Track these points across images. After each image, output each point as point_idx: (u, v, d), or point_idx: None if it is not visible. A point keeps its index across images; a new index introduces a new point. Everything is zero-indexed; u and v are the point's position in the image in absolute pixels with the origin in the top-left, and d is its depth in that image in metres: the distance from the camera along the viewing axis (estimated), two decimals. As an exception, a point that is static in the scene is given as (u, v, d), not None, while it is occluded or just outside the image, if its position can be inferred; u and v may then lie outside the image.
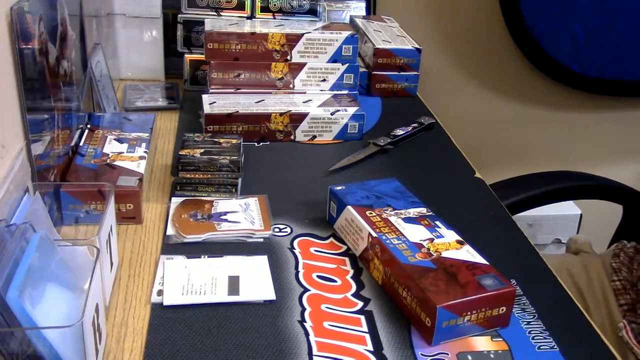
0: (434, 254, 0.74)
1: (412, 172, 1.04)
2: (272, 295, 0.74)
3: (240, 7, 1.28)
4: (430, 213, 0.83)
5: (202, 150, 0.94)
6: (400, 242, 0.76)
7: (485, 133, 1.85)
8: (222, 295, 0.73)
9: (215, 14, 1.28)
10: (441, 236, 0.77)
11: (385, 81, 1.34)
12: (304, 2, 1.29)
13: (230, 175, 0.92)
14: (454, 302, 0.66)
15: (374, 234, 0.77)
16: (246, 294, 0.74)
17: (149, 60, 1.33)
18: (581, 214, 1.83)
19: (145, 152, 0.96)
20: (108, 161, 0.92)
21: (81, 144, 0.97)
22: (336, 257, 0.82)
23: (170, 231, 0.84)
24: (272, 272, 0.78)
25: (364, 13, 1.54)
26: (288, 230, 0.87)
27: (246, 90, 1.17)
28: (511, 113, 1.83)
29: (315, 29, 1.19)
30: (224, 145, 0.96)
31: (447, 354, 0.67)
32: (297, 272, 0.78)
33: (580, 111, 1.85)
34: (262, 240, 0.84)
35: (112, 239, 0.74)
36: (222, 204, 0.89)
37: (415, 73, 1.34)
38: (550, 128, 1.87)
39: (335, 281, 0.77)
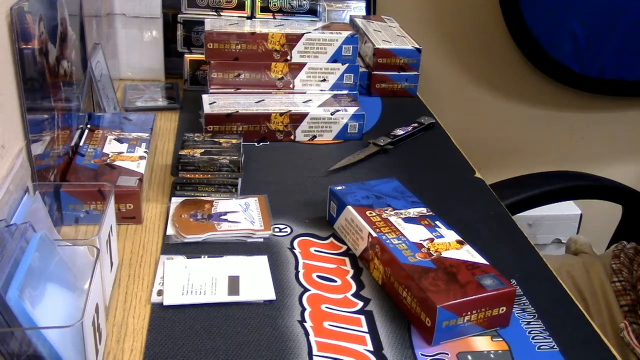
0: (434, 254, 0.74)
1: (412, 172, 1.04)
2: (272, 295, 0.74)
3: (240, 7, 1.28)
4: (430, 213, 0.83)
5: (202, 150, 0.94)
6: (400, 242, 0.76)
7: (485, 133, 1.85)
8: (222, 295, 0.73)
9: (215, 14, 1.28)
10: (441, 236, 0.77)
11: (385, 81, 1.34)
12: (304, 2, 1.29)
13: (230, 175, 0.92)
14: (454, 302, 0.66)
15: (374, 234, 0.77)
16: (246, 294, 0.74)
17: (149, 60, 1.33)
18: (581, 214, 1.83)
19: (145, 152, 0.96)
20: (108, 161, 0.92)
21: (81, 144, 0.97)
22: (336, 257, 0.82)
23: (170, 231, 0.84)
24: (272, 272, 0.78)
25: (364, 13, 1.54)
26: (288, 230, 0.87)
27: (246, 90, 1.17)
28: (511, 113, 1.83)
29: (315, 29, 1.19)
30: (224, 145, 0.96)
31: (447, 354, 0.67)
32: (297, 272, 0.78)
33: (580, 111, 1.85)
34: (262, 240, 0.84)
35: (112, 239, 0.74)
36: (222, 204, 0.89)
37: (415, 73, 1.34)
38: (550, 128, 1.87)
39: (335, 281, 0.77)
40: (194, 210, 0.88)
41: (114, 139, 0.99)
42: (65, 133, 0.89)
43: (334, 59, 1.18)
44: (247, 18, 1.28)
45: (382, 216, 0.81)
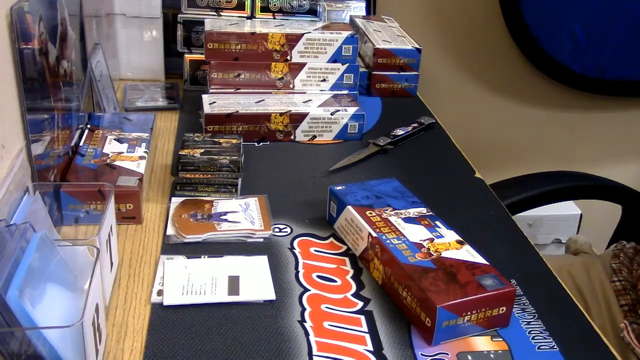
0: (434, 254, 0.74)
1: (412, 172, 1.04)
2: (272, 295, 0.74)
3: (240, 7, 1.28)
4: (430, 213, 0.83)
5: (202, 150, 0.94)
6: (400, 242, 0.76)
7: (485, 133, 1.85)
8: (222, 295, 0.73)
9: (215, 14, 1.28)
10: (441, 236, 0.77)
11: (385, 81, 1.34)
12: (304, 2, 1.29)
13: (230, 175, 0.92)
14: (454, 302, 0.66)
15: (374, 234, 0.77)
16: (246, 294, 0.74)
17: (149, 60, 1.33)
18: (581, 214, 1.83)
19: (145, 152, 0.96)
20: (108, 161, 0.92)
21: (81, 144, 0.97)
22: (336, 257, 0.82)
23: (170, 231, 0.84)
24: (272, 272, 0.78)
25: (364, 13, 1.54)
26: (288, 230, 0.87)
27: (246, 90, 1.17)
28: (511, 113, 1.83)
29: (315, 29, 1.19)
30: (224, 145, 0.96)
31: (447, 354, 0.67)
32: (297, 272, 0.78)
33: (580, 111, 1.85)
34: (262, 240, 0.84)
35: (112, 239, 0.74)
36: (222, 204, 0.89)
37: (415, 73, 1.34)
38: (550, 128, 1.87)
39: (335, 281, 0.77)
40: (194, 210, 0.88)
41: (114, 139, 0.99)
42: (65, 133, 0.89)
43: (334, 59, 1.18)
44: (247, 18, 1.28)
45: (382, 216, 0.81)
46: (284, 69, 1.17)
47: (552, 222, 1.83)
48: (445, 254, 0.74)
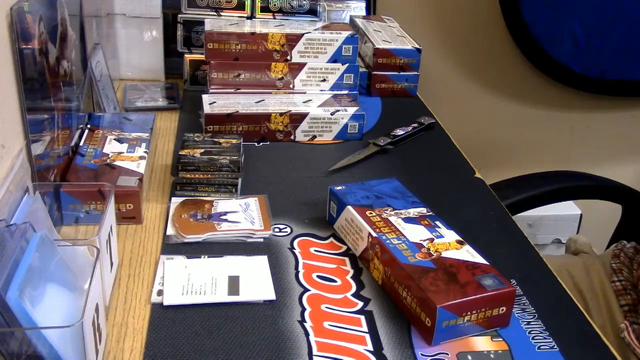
0: (434, 254, 0.74)
1: (412, 172, 1.04)
2: (272, 295, 0.74)
3: (240, 7, 1.28)
4: (430, 213, 0.83)
5: (202, 150, 0.94)
6: (400, 242, 0.76)
7: (485, 133, 1.85)
8: (222, 295, 0.73)
9: (215, 14, 1.28)
10: (441, 236, 0.77)
11: (385, 81, 1.34)
12: (304, 2, 1.29)
13: (230, 175, 0.92)
14: (454, 302, 0.66)
15: (374, 234, 0.77)
16: (246, 294, 0.74)
17: (149, 60, 1.33)
18: (581, 214, 1.83)
19: (145, 152, 0.96)
20: (108, 161, 0.92)
21: (81, 144, 0.97)
22: (336, 257, 0.82)
23: (170, 231, 0.84)
24: (272, 272, 0.78)
25: (364, 13, 1.54)
26: (288, 230, 0.87)
27: (246, 90, 1.17)
28: (511, 113, 1.83)
29: (315, 29, 1.19)
30: (224, 145, 0.96)
31: (447, 354, 0.67)
32: (297, 272, 0.78)
33: (580, 111, 1.85)
34: (262, 240, 0.84)
35: (112, 239, 0.74)
36: (222, 204, 0.89)
37: (415, 73, 1.34)
38: (550, 128, 1.87)
39: (335, 281, 0.77)
40: (194, 210, 0.88)
41: (114, 139, 0.99)
42: (65, 133, 0.89)
43: (334, 59, 1.18)
44: (247, 18, 1.28)
45: (382, 216, 0.81)
46: (284, 69, 1.17)
47: (552, 222, 1.83)
48: (445, 254, 0.74)
